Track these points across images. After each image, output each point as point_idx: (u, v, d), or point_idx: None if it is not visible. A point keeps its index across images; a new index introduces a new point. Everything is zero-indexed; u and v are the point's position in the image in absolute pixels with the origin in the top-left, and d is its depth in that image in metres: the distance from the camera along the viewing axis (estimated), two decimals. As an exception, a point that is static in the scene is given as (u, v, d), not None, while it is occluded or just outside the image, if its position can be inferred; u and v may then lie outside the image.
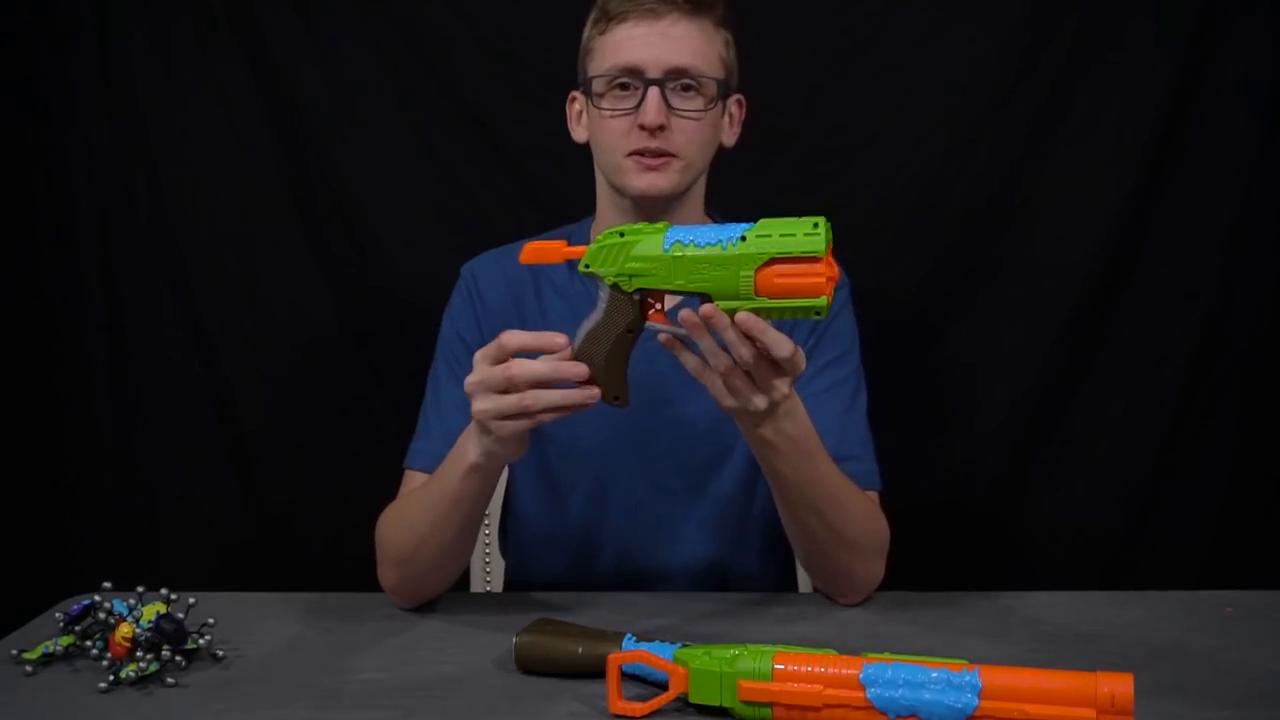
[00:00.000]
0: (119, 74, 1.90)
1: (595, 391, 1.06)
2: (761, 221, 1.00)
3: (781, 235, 0.98)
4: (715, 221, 1.41)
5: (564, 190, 1.85)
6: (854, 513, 1.25)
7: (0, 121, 1.91)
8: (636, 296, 1.04)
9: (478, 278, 1.42)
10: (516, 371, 1.04)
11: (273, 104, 1.90)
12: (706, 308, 1.00)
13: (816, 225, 0.98)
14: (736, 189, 1.81)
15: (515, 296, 1.40)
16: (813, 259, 0.97)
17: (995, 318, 1.90)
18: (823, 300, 0.98)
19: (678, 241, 1.01)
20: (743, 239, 0.99)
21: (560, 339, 1.06)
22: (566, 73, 1.89)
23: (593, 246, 1.05)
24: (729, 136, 1.39)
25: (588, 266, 1.05)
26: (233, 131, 1.91)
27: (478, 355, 1.07)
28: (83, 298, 1.94)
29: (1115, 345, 1.90)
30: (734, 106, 1.39)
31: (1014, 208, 1.89)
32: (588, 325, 1.07)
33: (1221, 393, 1.90)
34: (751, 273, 0.98)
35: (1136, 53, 1.84)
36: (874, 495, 1.33)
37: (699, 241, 1.01)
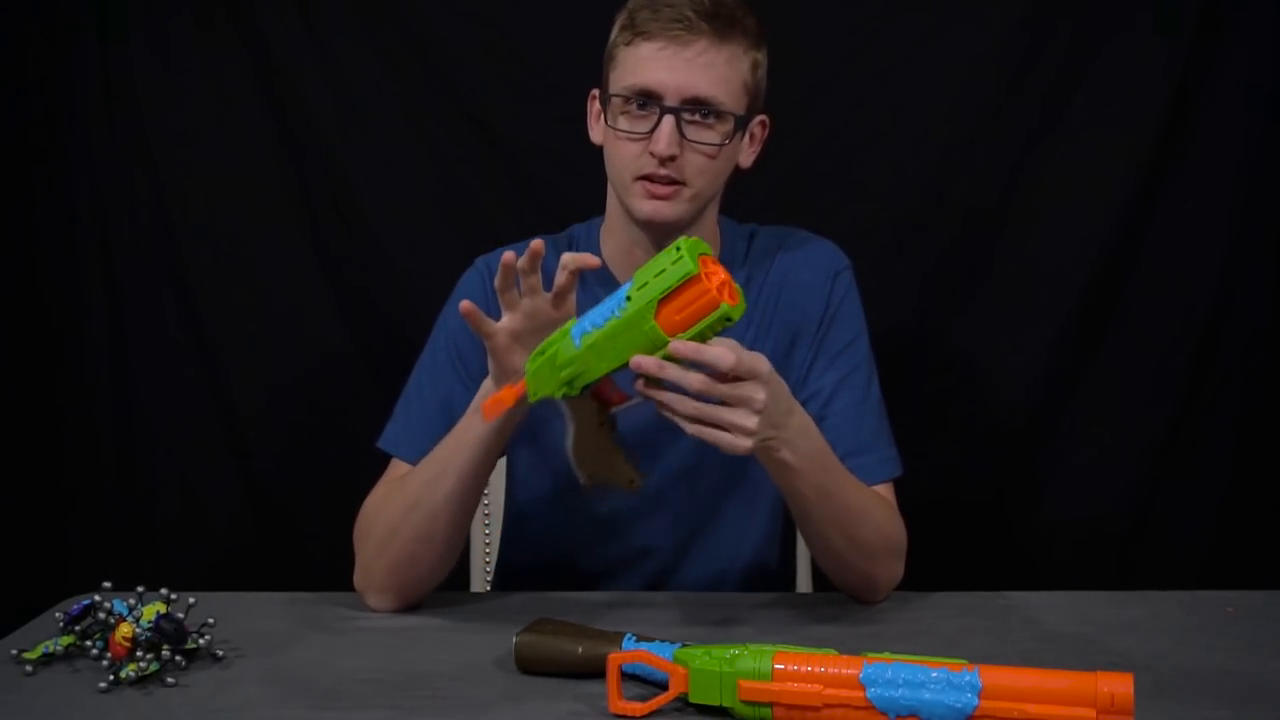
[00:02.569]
0: (119, 74, 1.90)
1: None
2: (636, 273, 1.03)
3: (656, 276, 1.01)
4: (724, 235, 1.41)
5: (564, 190, 1.86)
6: (873, 521, 1.25)
7: (1, 121, 1.91)
8: (586, 393, 1.07)
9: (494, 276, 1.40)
10: None
11: (273, 104, 1.91)
12: (634, 360, 1.02)
13: (679, 248, 1.00)
14: (736, 190, 1.81)
15: None
16: (691, 280, 0.99)
17: (995, 318, 1.90)
18: (723, 309, 1.00)
19: (583, 332, 1.04)
20: (628, 299, 1.02)
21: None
22: (567, 73, 1.89)
23: (526, 377, 1.09)
24: (746, 157, 1.34)
25: (536, 394, 1.08)
26: (233, 131, 1.91)
27: None
28: (83, 299, 1.94)
29: (1115, 345, 1.90)
30: (756, 127, 1.34)
31: (1014, 208, 1.89)
32: (569, 441, 1.11)
33: (1221, 392, 1.90)
34: (653, 321, 1.01)
35: (1136, 53, 1.84)
36: (889, 486, 1.33)
37: (598, 322, 1.04)
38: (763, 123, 1.35)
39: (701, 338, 1.02)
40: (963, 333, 1.91)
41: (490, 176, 1.91)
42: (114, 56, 1.90)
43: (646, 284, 1.01)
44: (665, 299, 1.00)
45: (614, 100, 1.27)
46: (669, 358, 1.01)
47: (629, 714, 0.97)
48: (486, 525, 1.58)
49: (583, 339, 1.04)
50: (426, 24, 1.89)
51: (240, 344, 1.94)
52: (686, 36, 1.24)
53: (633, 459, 1.11)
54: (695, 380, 1.03)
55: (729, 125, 1.27)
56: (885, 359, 1.42)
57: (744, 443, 1.05)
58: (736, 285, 1.03)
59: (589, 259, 1.11)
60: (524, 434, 1.37)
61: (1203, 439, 1.91)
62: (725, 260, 1.40)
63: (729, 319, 1.01)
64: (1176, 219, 1.88)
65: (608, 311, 1.03)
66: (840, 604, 1.29)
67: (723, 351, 1.03)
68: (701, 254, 1.01)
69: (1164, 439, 1.91)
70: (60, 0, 1.89)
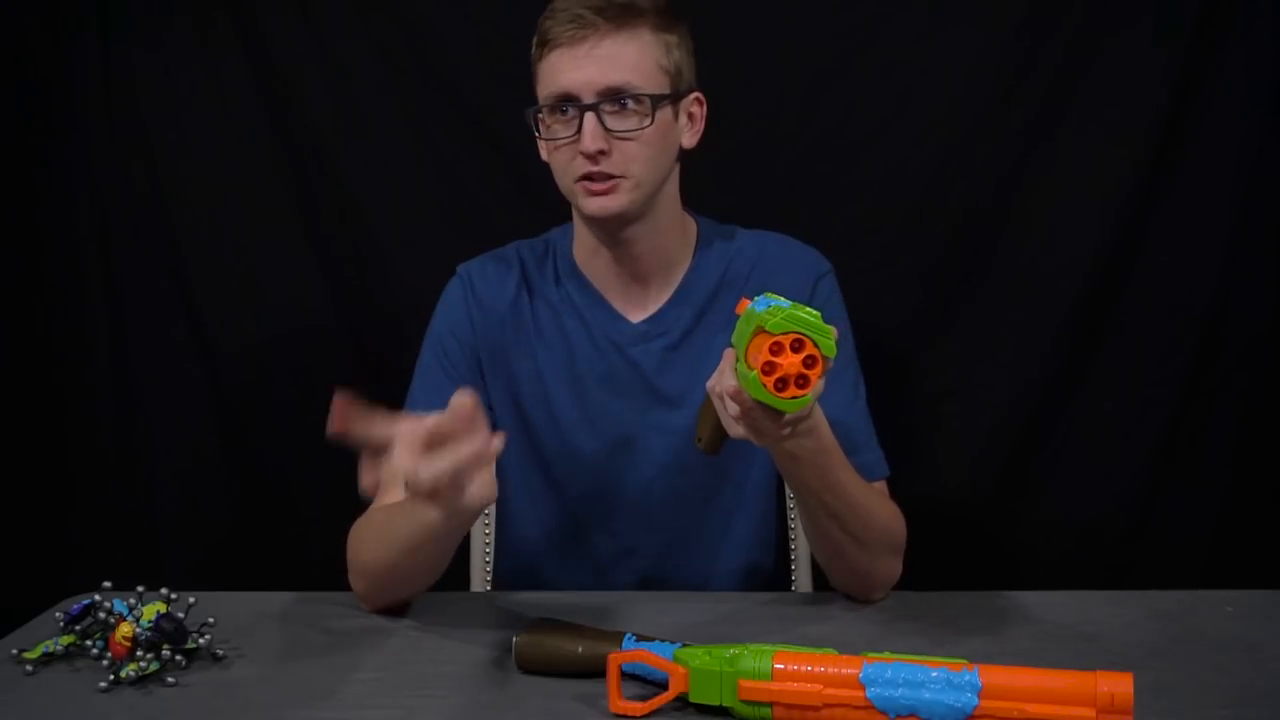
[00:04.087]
0: (119, 74, 1.90)
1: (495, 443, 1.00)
2: (795, 303, 1.00)
3: (775, 310, 0.98)
4: (696, 222, 1.42)
5: (564, 190, 1.86)
6: (874, 517, 1.26)
7: (1, 121, 1.91)
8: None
9: (475, 282, 1.42)
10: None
11: (273, 104, 1.91)
12: (725, 358, 1.04)
13: (786, 312, 0.98)
14: (737, 189, 1.81)
15: (512, 305, 1.40)
16: (761, 334, 0.97)
17: (995, 317, 1.90)
18: (751, 375, 0.97)
19: (753, 304, 1.04)
20: (768, 307, 1.00)
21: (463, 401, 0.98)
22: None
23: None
24: (689, 138, 1.35)
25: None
26: (233, 131, 1.91)
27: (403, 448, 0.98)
28: (83, 298, 1.94)
29: (1115, 345, 1.90)
30: (693, 106, 1.35)
31: (1013, 208, 1.89)
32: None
33: (1221, 392, 1.90)
34: (749, 336, 1.00)
35: (1136, 52, 1.84)
36: (883, 484, 1.34)
37: (759, 304, 1.03)
38: (698, 100, 1.36)
39: (744, 382, 0.99)
40: (962, 332, 1.91)
41: (490, 176, 1.91)
42: (114, 56, 1.90)
43: (774, 310, 0.99)
44: (761, 331, 0.98)
45: (541, 114, 1.30)
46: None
47: (629, 714, 0.97)
48: (486, 525, 1.58)
49: (751, 309, 1.04)
50: (427, 24, 1.89)
51: (240, 343, 1.94)
52: (582, 33, 1.26)
53: (718, 425, 1.11)
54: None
55: (647, 107, 1.28)
56: (885, 358, 1.42)
57: (735, 430, 1.07)
58: (808, 395, 0.98)
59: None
60: (510, 425, 1.38)
61: (1203, 439, 1.91)
62: (697, 263, 1.39)
63: (751, 388, 0.98)
64: (1176, 219, 1.87)
65: (768, 303, 1.02)
66: (840, 604, 1.29)
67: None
68: (806, 338, 0.96)
69: (1164, 439, 1.91)
70: (61, 0, 1.89)
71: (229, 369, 1.94)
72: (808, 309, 0.98)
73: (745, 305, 1.09)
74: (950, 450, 1.92)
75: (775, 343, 0.97)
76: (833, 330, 0.98)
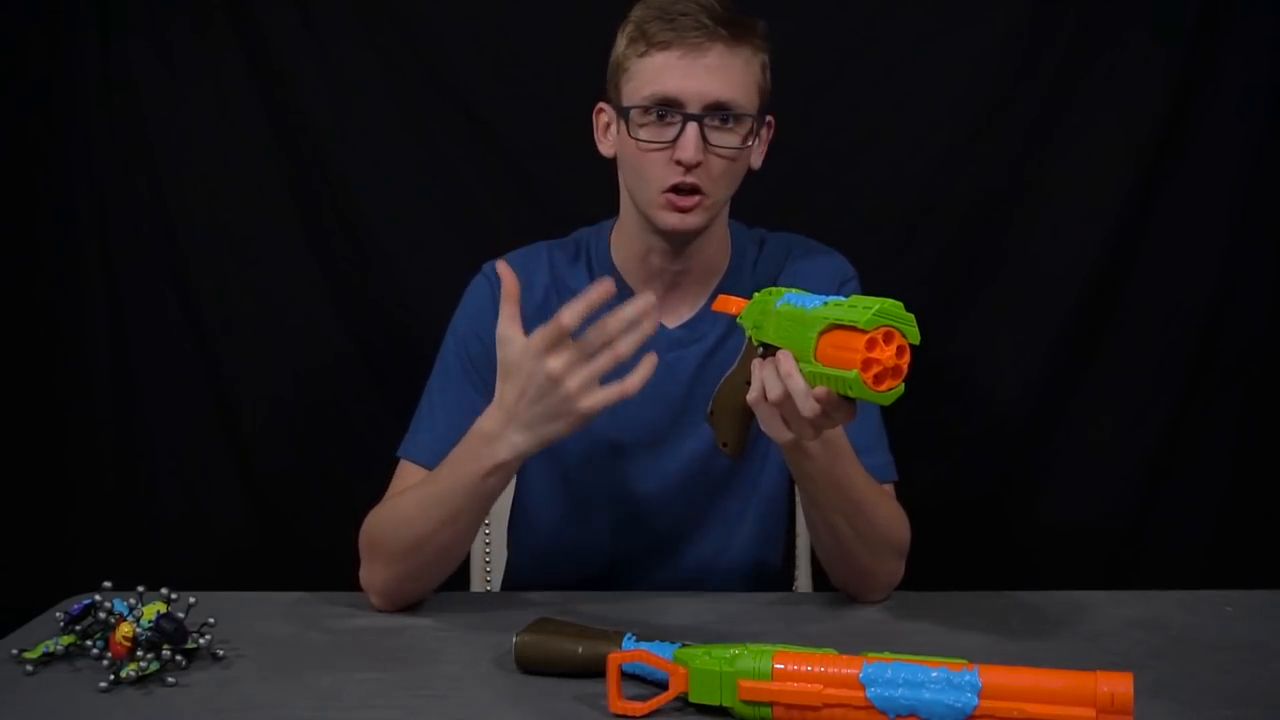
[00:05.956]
0: (119, 73, 1.90)
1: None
2: (854, 295, 1.03)
3: (849, 306, 0.99)
4: (734, 240, 1.42)
5: (565, 190, 1.86)
6: (879, 514, 1.26)
7: (1, 121, 1.91)
8: (760, 351, 1.10)
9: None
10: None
11: (273, 104, 1.91)
12: (785, 361, 1.04)
13: (870, 305, 0.97)
14: (737, 189, 1.81)
15: (541, 305, 1.38)
16: (855, 331, 0.97)
17: (995, 317, 1.90)
18: (851, 374, 0.95)
19: (788, 301, 1.06)
20: (824, 304, 1.02)
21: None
22: (567, 73, 1.90)
23: (751, 301, 1.14)
24: (757, 158, 1.36)
25: (738, 319, 1.16)
26: (233, 131, 1.91)
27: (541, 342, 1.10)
28: (83, 298, 1.94)
29: (1116, 345, 1.90)
30: (764, 128, 1.35)
31: (1014, 208, 1.89)
32: (728, 372, 1.18)
33: (1221, 393, 1.91)
34: (815, 335, 1.00)
35: (1136, 53, 1.84)
36: (890, 488, 1.34)
37: (798, 302, 1.04)
38: (769, 124, 1.36)
39: (828, 383, 0.99)
40: (962, 332, 1.91)
41: (490, 176, 1.91)
42: (114, 56, 1.90)
43: (842, 305, 1.00)
44: (835, 327, 0.99)
45: (633, 112, 1.28)
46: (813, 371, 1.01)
47: (629, 714, 0.97)
48: (487, 525, 1.58)
49: (783, 305, 1.06)
50: (426, 24, 1.89)
51: (240, 343, 1.94)
52: (706, 44, 1.25)
53: (743, 428, 1.15)
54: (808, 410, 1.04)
55: (747, 128, 1.29)
56: (885, 359, 1.42)
57: (785, 435, 1.09)
58: (901, 385, 0.98)
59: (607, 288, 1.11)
60: None
61: (1203, 439, 1.91)
62: (734, 269, 1.40)
63: (850, 388, 0.97)
64: (1176, 219, 1.88)
65: (813, 301, 1.04)
66: (840, 604, 1.29)
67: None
68: (895, 329, 0.97)
69: (1164, 439, 1.91)
70: (60, 0, 1.89)
71: (229, 369, 1.94)
72: (888, 300, 0.99)
73: (739, 305, 1.14)
74: (951, 450, 1.92)
75: (870, 339, 0.97)
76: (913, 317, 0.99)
